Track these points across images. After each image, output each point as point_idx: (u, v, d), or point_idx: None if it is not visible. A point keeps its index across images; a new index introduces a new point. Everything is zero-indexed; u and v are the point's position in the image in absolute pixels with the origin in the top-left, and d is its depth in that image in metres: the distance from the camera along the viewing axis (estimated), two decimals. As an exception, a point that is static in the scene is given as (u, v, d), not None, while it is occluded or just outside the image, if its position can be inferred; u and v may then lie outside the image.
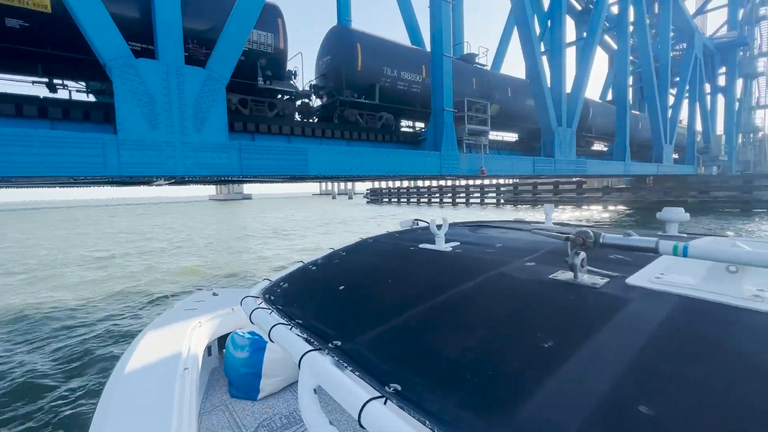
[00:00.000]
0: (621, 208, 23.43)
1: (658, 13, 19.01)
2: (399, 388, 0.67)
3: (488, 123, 9.37)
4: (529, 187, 28.84)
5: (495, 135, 12.78)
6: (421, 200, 39.19)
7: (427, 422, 0.58)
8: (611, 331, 0.74)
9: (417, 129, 10.84)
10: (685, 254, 0.81)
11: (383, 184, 55.68)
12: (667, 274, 0.97)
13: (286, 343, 0.92)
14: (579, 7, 20.96)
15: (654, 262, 1.08)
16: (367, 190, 51.32)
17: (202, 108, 5.21)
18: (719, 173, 22.67)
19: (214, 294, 2.86)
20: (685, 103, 21.30)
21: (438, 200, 37.17)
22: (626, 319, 0.78)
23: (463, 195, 34.91)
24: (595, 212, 23.31)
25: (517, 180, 29.79)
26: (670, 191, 20.80)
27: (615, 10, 17.63)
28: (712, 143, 23.23)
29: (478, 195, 33.51)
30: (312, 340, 0.92)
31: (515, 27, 15.28)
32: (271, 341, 1.00)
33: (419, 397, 0.65)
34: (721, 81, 25.50)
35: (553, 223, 2.12)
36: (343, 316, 1.09)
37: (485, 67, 12.69)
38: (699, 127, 23.19)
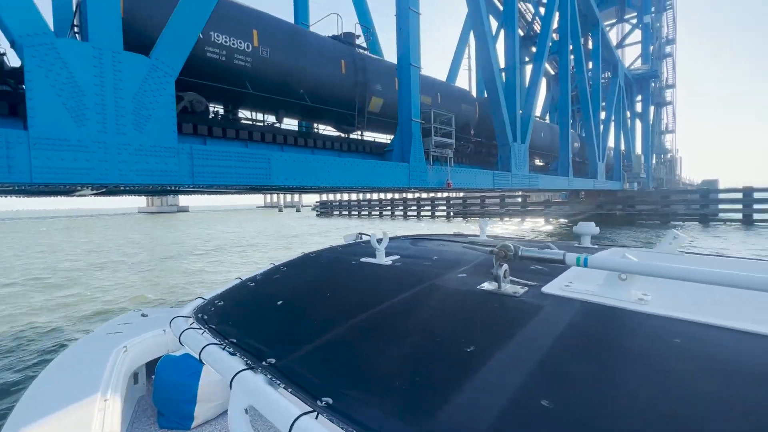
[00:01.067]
0: (562, 220, 25.11)
1: (590, 44, 20.94)
2: (330, 401, 0.69)
3: (453, 135, 9.32)
4: (477, 200, 29.91)
5: (372, 137, 10.00)
6: (373, 213, 38.97)
7: (354, 430, 0.60)
8: (525, 335, 0.83)
9: (266, 122, 7.87)
10: (585, 265, 0.92)
11: (332, 197, 54.75)
12: (575, 283, 1.10)
13: (218, 363, 0.91)
14: (522, 33, 22.55)
15: (566, 272, 1.21)
16: (316, 202, 50.05)
17: (145, 103, 4.35)
18: (639, 189, 25.35)
19: (143, 315, 2.60)
20: (611, 126, 23.66)
21: (390, 213, 37.19)
22: (539, 323, 0.88)
23: (414, 208, 35.29)
24: (538, 224, 24.71)
25: (466, 194, 30.83)
26: (602, 205, 22.70)
27: (555, 37, 19.12)
28: (634, 162, 25.97)
29: (429, 208, 34.09)
30: (246, 359, 0.90)
31: (467, 44, 15.79)
32: (203, 363, 0.97)
33: (350, 408, 0.67)
34: (638, 108, 28.83)
35: (487, 236, 2.18)
36: (280, 332, 1.08)
37: (366, 51, 9.95)
38: (622, 147, 25.88)
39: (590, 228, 1.82)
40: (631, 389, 0.63)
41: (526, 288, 1.10)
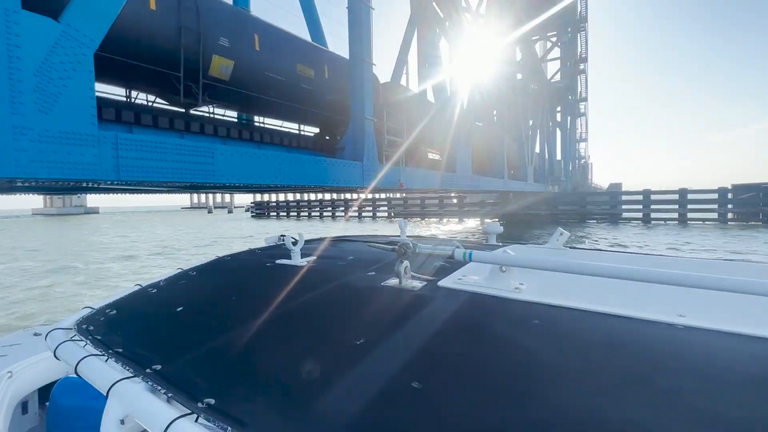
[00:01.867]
0: (495, 220, 26.72)
1: (521, 56, 22.53)
2: (212, 402, 0.68)
3: (404, 134, 9.24)
4: (417, 201, 30.59)
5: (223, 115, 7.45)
6: (313, 214, 37.87)
7: (229, 428, 0.61)
8: (413, 326, 0.91)
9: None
10: (470, 259, 1.01)
11: (268, 197, 52.21)
12: (467, 276, 1.19)
13: (94, 375, 0.85)
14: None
15: (462, 267, 1.29)
16: (251, 203, 47.27)
17: (53, 79, 3.50)
18: (560, 191, 28.01)
19: (36, 334, 2.29)
20: (537, 133, 25.79)
21: (330, 214, 36.45)
22: (428, 314, 0.96)
23: (356, 209, 34.99)
24: (473, 224, 25.98)
25: (407, 195, 31.38)
26: (531, 205, 24.61)
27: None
28: (555, 167, 28.62)
29: (371, 209, 34.07)
30: (128, 368, 0.84)
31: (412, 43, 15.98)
32: (79, 376, 0.89)
33: (231, 407, 0.67)
34: (558, 117, 31.87)
35: (407, 236, 2.29)
36: (172, 338, 1.03)
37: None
38: (546, 153, 28.38)
39: (496, 227, 2.00)
40: (491, 367, 0.72)
41: (425, 283, 1.16)
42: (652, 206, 21.51)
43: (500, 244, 1.94)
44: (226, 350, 0.91)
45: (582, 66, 32.58)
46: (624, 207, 22.72)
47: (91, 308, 1.33)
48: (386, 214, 33.04)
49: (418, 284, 1.15)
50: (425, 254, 1.14)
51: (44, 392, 1.92)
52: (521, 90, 21.44)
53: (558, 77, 32.40)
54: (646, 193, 21.60)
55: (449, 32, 12.87)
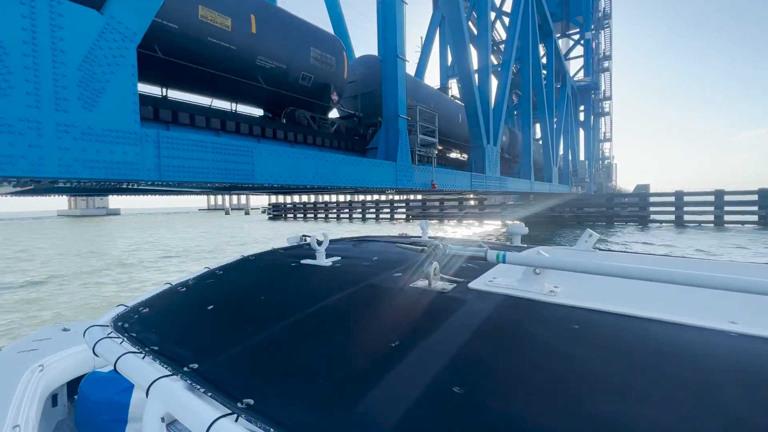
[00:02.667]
0: (517, 222, 26.04)
1: (545, 54, 21.92)
2: (252, 402, 0.69)
3: (437, 134, 8.92)
4: (435, 203, 30.16)
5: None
6: (330, 216, 37.82)
7: (272, 430, 0.61)
8: (448, 328, 0.89)
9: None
10: (504, 261, 1.02)
11: (284, 199, 52.50)
12: (498, 278, 1.18)
13: (134, 373, 0.87)
14: (475, 31, 23.07)
15: (492, 269, 1.28)
16: (268, 205, 47.60)
17: (97, 74, 3.32)
18: (583, 192, 27.15)
19: (65, 329, 2.34)
20: (561, 133, 25.04)
21: (347, 216, 36.32)
22: (461, 317, 0.94)
23: (373, 211, 34.78)
24: (493, 227, 25.40)
25: (425, 197, 30.98)
26: (555, 207, 23.91)
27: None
28: (579, 168, 27.77)
29: (388, 210, 33.79)
30: (166, 366, 0.86)
31: (435, 39, 15.60)
32: (118, 373, 0.91)
33: (271, 407, 0.68)
34: (581, 117, 30.99)
35: (429, 238, 2.24)
36: (207, 337, 1.04)
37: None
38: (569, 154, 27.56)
39: (521, 228, 1.95)
40: (530, 372, 0.70)
41: (455, 284, 1.15)
42: (685, 208, 20.58)
43: (525, 246, 1.89)
44: (260, 350, 0.91)
45: (606, 64, 31.65)
46: (653, 209, 21.83)
47: (125, 306, 1.35)
48: (404, 216, 32.68)
49: (448, 286, 1.13)
50: (453, 255, 1.13)
51: (73, 385, 1.94)
52: (543, 87, 20.85)
53: (581, 75, 31.55)
54: (679, 195, 20.68)
55: (475, 27, 12.50)
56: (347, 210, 36.51)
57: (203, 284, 1.54)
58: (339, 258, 1.66)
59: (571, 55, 32.25)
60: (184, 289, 1.49)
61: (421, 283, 1.16)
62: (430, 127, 8.74)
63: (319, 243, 1.66)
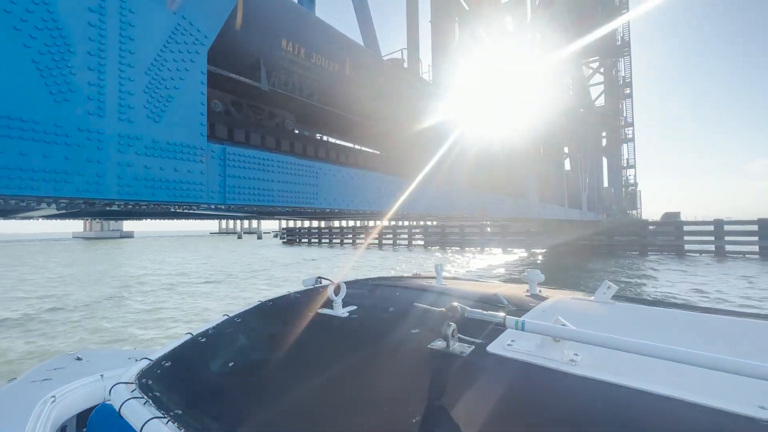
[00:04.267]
0: (538, 250, 25.07)
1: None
2: None
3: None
4: (455, 229, 29.41)
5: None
6: (345, 241, 37.23)
7: None
8: (467, 397, 0.91)
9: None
10: (523, 329, 1.00)
11: (296, 223, 52.22)
12: (516, 341, 1.15)
13: None
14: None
15: (508, 330, 1.21)
16: (282, 229, 47.34)
17: (165, 80, 2.85)
18: (609, 220, 26.19)
19: (78, 358, 2.27)
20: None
21: (363, 241, 35.67)
22: (481, 385, 0.96)
23: (390, 237, 34.12)
24: (518, 256, 24.41)
25: (443, 223, 30.30)
26: (583, 235, 22.97)
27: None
28: (605, 195, 26.98)
29: (406, 237, 33.10)
30: None
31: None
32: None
33: None
34: (602, 143, 30.47)
35: (443, 278, 2.26)
36: (227, 402, 1.06)
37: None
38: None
39: (537, 276, 1.96)
40: None
41: (473, 346, 1.15)
42: (726, 238, 19.50)
43: (540, 293, 1.92)
44: (285, 421, 0.90)
45: (627, 90, 31.46)
46: (688, 238, 20.76)
47: (149, 360, 1.37)
48: (422, 243, 31.91)
49: (466, 348, 1.13)
50: (473, 319, 1.12)
51: (83, 417, 1.88)
52: (571, 113, 20.49)
53: (600, 101, 31.33)
54: (718, 224, 19.66)
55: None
56: (362, 236, 35.91)
57: (223, 335, 1.55)
58: (355, 307, 1.65)
59: (591, 82, 32.20)
60: (204, 339, 1.51)
61: (439, 345, 1.16)
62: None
63: (336, 292, 1.64)
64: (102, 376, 2.01)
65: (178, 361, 1.34)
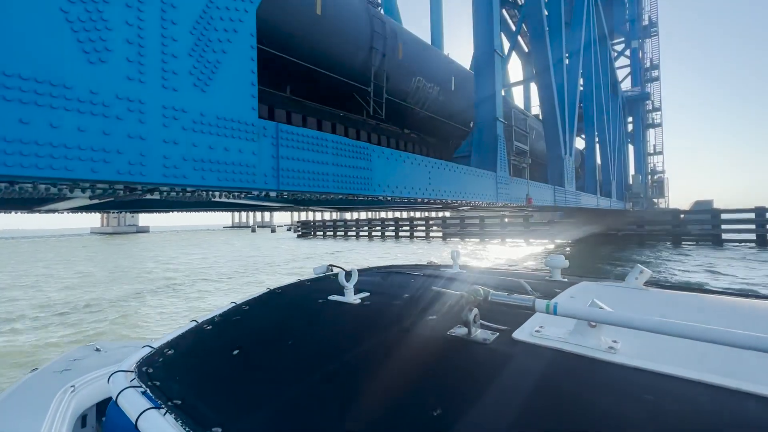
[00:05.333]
0: (561, 251, 24.23)
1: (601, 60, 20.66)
2: None
3: (528, 141, 7.79)
4: (476, 220, 28.70)
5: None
6: (361, 234, 36.89)
7: None
8: (492, 389, 0.81)
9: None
10: (555, 312, 0.92)
11: (311, 216, 52.06)
12: (545, 327, 1.06)
13: None
14: (526, 49, 22.07)
15: (535, 315, 1.14)
16: (297, 222, 47.29)
17: (212, 42, 2.39)
18: (637, 209, 25.10)
19: (97, 349, 2.29)
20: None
21: (379, 234, 35.28)
22: (508, 375, 0.86)
23: (407, 228, 33.62)
24: (542, 247, 23.64)
25: (462, 214, 29.64)
26: (612, 225, 22.07)
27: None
28: (633, 183, 25.88)
29: (423, 229, 32.56)
30: (188, 428, 0.81)
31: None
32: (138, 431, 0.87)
33: None
34: (629, 129, 29.17)
35: (459, 267, 2.14)
36: (230, 391, 0.98)
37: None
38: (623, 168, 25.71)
39: (560, 261, 1.83)
40: None
41: (497, 333, 1.06)
42: (768, 226, 18.43)
43: (565, 279, 1.82)
44: (290, 412, 0.84)
45: (655, 73, 30.01)
46: (726, 227, 19.70)
47: (151, 347, 1.31)
48: (440, 235, 31.32)
49: (490, 336, 1.04)
50: (497, 303, 1.03)
51: (102, 407, 1.87)
52: (598, 94, 19.49)
53: (626, 85, 29.95)
54: (760, 212, 18.57)
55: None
56: (379, 228, 35.49)
57: (229, 322, 1.50)
58: (368, 294, 1.59)
59: (617, 65, 30.78)
60: (210, 327, 1.45)
61: (460, 332, 1.07)
62: (522, 132, 7.63)
63: (348, 278, 1.57)
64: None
65: (181, 349, 1.28)
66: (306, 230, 42.88)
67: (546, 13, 9.97)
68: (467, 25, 7.08)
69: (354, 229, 37.73)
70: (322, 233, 40.85)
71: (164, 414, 0.86)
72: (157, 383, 1.03)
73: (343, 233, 38.57)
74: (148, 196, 2.77)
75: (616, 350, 0.90)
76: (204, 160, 2.32)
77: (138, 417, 0.86)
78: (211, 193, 2.85)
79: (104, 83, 1.90)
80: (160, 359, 1.19)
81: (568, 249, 20.81)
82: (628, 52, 30.13)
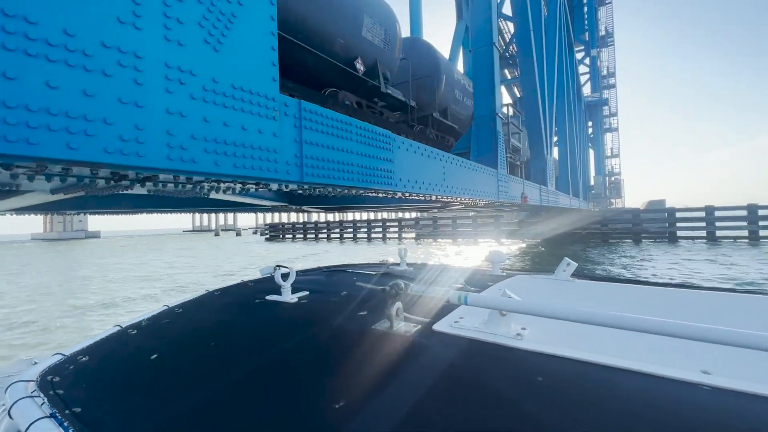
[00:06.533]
0: (534, 241, 24.92)
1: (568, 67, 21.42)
2: None
3: (524, 138, 7.64)
4: (448, 221, 28.84)
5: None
6: (332, 236, 36.05)
7: None
8: (406, 378, 0.84)
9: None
10: (466, 303, 1.00)
11: (279, 218, 50.48)
12: (465, 318, 1.12)
13: None
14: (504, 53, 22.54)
15: (458, 308, 1.20)
16: (265, 225, 45.52)
17: (224, -10, 1.85)
18: (600, 209, 26.33)
19: (35, 363, 1.72)
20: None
21: (352, 236, 34.64)
22: (423, 364, 0.89)
23: (365, 230, 33.23)
24: (516, 246, 24.16)
25: (419, 215, 29.73)
26: (577, 224, 22.93)
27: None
28: (595, 183, 27.15)
29: (380, 230, 32.35)
30: None
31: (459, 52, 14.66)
32: None
33: None
34: (589, 132, 30.64)
35: (407, 264, 2.21)
36: (137, 397, 0.94)
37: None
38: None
39: (500, 257, 1.94)
40: (491, 427, 0.66)
41: (419, 326, 1.10)
42: (717, 224, 19.86)
43: (503, 273, 1.89)
44: (196, 413, 0.82)
45: (612, 80, 31.77)
46: (680, 224, 21.06)
47: (62, 355, 1.24)
48: (413, 236, 31.21)
49: (411, 328, 1.09)
50: (418, 295, 1.13)
51: None
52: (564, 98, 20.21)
53: (586, 91, 31.48)
54: (710, 210, 20.00)
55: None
56: (351, 230, 34.84)
57: (156, 326, 1.42)
58: (307, 293, 1.59)
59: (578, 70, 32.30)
60: (135, 332, 1.38)
61: (383, 326, 1.11)
62: (517, 128, 7.47)
63: (284, 277, 1.57)
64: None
65: (97, 356, 1.20)
66: (275, 233, 41.29)
67: (530, 17, 9.99)
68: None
69: (325, 231, 36.82)
70: (291, 236, 39.52)
71: (60, 423, 0.82)
72: (60, 392, 0.97)
73: (313, 236, 37.52)
74: (131, 191, 2.15)
75: (523, 336, 0.96)
76: (218, 141, 1.78)
77: (27, 428, 0.81)
78: (211, 184, 2.28)
79: (84, 23, 1.33)
80: (70, 367, 1.13)
81: (542, 248, 21.33)
82: (587, 61, 31.72)
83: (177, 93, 1.61)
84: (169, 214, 6.48)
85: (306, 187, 2.50)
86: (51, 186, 1.84)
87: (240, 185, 2.16)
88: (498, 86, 6.51)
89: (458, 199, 4.67)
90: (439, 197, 4.22)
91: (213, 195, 2.77)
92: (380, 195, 3.50)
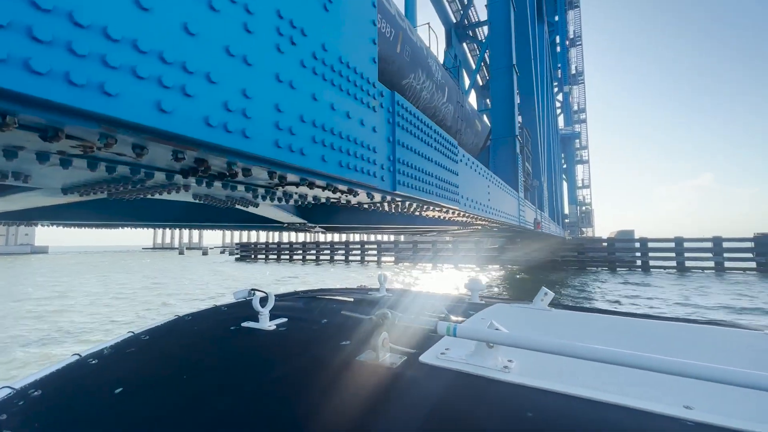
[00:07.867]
0: (515, 267, 25.12)
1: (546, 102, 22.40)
2: None
3: (540, 160, 7.53)
4: (428, 245, 28.67)
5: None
6: (308, 257, 34.84)
7: None
8: (393, 412, 0.82)
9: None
10: (455, 335, 0.94)
11: (251, 238, 48.57)
12: (451, 349, 1.10)
13: None
14: (481, 83, 23.22)
15: (443, 338, 1.17)
16: (236, 244, 43.49)
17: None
18: (575, 237, 27.15)
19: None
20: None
21: (328, 258, 33.63)
22: (410, 398, 0.87)
23: (342, 252, 32.50)
24: (495, 273, 24.21)
25: (417, 239, 29.55)
26: (555, 251, 23.38)
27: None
28: (569, 213, 28.09)
29: (358, 253, 31.75)
30: None
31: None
32: None
33: None
34: (563, 164, 32.04)
35: (386, 290, 2.19)
36: None
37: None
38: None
39: (478, 285, 1.94)
40: None
41: (405, 357, 1.07)
42: (686, 254, 20.84)
43: (483, 301, 1.90)
44: None
45: (582, 116, 33.67)
46: (653, 254, 21.94)
47: (11, 389, 1.09)
48: (392, 260, 30.70)
49: (397, 359, 1.05)
50: (405, 326, 1.05)
51: None
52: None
53: (560, 124, 33.13)
54: (679, 241, 21.00)
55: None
56: (328, 251, 33.86)
57: (120, 355, 1.29)
58: (285, 320, 1.52)
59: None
60: (96, 361, 1.24)
61: (369, 357, 1.06)
62: (528, 152, 7.37)
63: (263, 303, 1.47)
64: None
65: (52, 390, 1.07)
66: (246, 253, 39.42)
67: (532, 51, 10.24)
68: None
69: (300, 252, 35.56)
70: (264, 256, 37.84)
71: None
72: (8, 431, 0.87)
73: (287, 257, 36.10)
74: (173, 195, 1.59)
75: (510, 369, 0.96)
76: (325, 128, 1.30)
77: None
78: (326, 183, 1.76)
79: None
80: (20, 402, 1.00)
81: (526, 275, 21.39)
82: (560, 96, 33.57)
83: (288, 55, 1.14)
84: (128, 229, 5.13)
85: (390, 199, 2.02)
86: (83, 177, 1.25)
87: (329, 192, 1.66)
88: (514, 109, 6.39)
89: (496, 221, 4.31)
90: (480, 217, 3.84)
91: (253, 207, 2.23)
92: (434, 214, 3.06)
